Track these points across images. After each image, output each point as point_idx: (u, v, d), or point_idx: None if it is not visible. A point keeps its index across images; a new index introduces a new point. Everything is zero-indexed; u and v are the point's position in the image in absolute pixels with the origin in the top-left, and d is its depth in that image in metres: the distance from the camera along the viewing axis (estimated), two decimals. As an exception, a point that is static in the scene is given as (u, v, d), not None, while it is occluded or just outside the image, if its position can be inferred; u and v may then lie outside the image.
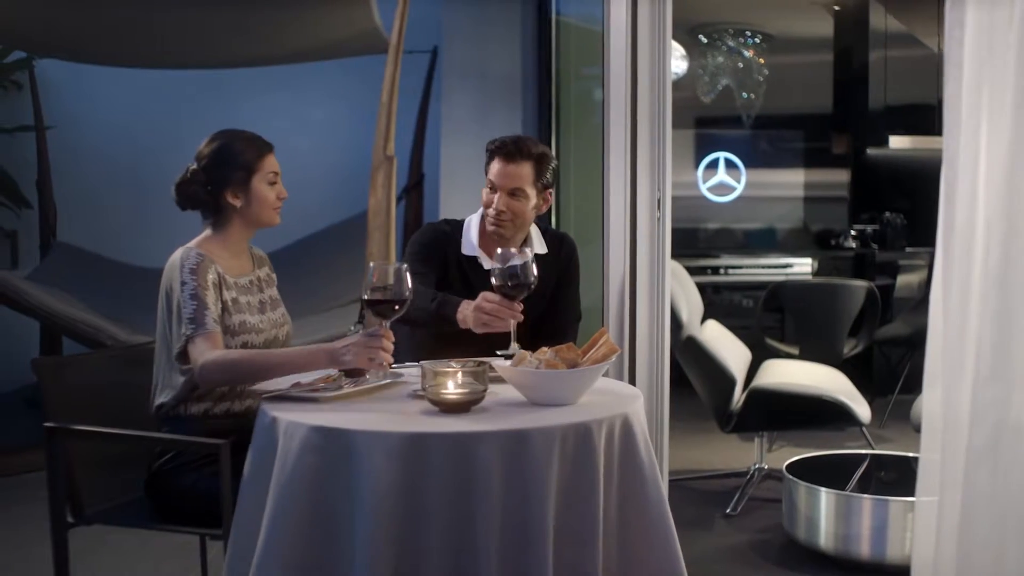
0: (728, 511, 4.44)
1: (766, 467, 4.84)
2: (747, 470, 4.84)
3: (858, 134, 7.85)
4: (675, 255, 7.57)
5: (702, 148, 8.02)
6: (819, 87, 8.00)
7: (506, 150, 3.03)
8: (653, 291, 3.38)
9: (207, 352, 2.54)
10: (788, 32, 7.94)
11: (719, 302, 7.67)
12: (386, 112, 4.75)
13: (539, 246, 3.12)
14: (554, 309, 3.11)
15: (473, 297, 2.88)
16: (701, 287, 7.68)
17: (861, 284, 5.75)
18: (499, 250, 2.68)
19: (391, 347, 2.45)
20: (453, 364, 2.33)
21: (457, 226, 3.15)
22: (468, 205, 5.58)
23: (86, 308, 5.28)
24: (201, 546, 3.06)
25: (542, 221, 3.25)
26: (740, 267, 7.60)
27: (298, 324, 3.10)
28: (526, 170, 3.00)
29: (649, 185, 3.34)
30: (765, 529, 4.22)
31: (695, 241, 7.98)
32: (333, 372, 2.61)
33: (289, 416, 2.23)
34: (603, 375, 2.50)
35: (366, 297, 2.44)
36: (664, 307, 3.40)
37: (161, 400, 2.68)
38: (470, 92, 6.16)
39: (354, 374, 2.57)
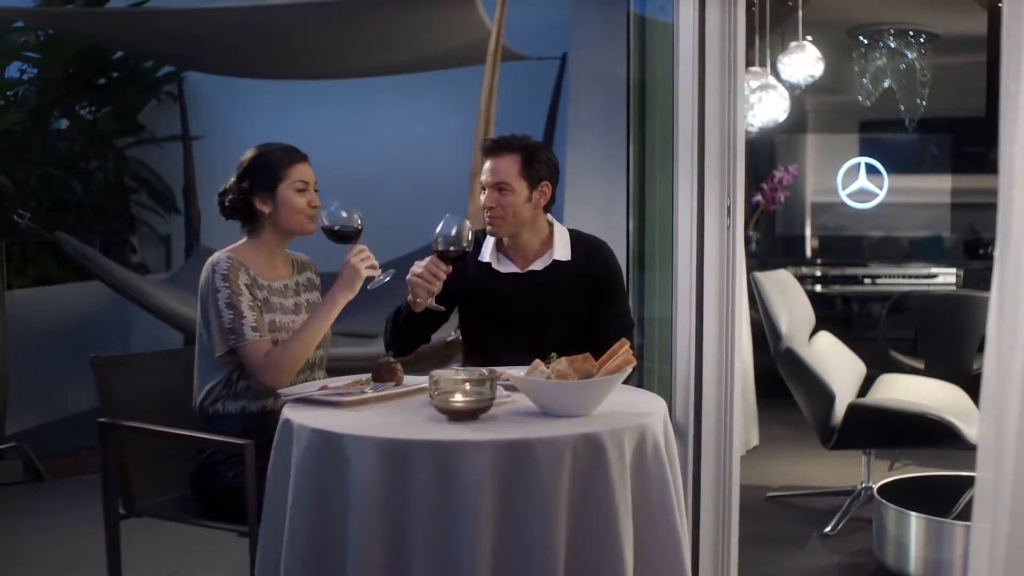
0: (827, 530, 4.26)
1: (874, 486, 4.61)
2: (853, 489, 4.64)
3: (1013, 138, 7.38)
4: (813, 263, 7.37)
5: (859, 153, 7.75)
6: (971, 89, 7.57)
7: (489, 146, 3.02)
8: (722, 301, 3.24)
9: (259, 362, 2.68)
10: (941, 31, 7.55)
11: (857, 312, 7.39)
12: (484, 118, 4.78)
13: (561, 252, 3.06)
14: (597, 324, 3.04)
15: (491, 301, 3.01)
16: (845, 297, 7.44)
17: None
18: (447, 215, 2.75)
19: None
20: (463, 372, 2.33)
21: (484, 236, 3.14)
22: (592, 215, 5.49)
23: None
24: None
25: (578, 227, 3.19)
26: (880, 276, 7.28)
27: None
28: (509, 163, 2.97)
29: (718, 191, 3.21)
30: (859, 552, 4.02)
31: (836, 248, 7.69)
32: (362, 377, 2.64)
33: (299, 419, 2.28)
34: (643, 387, 2.45)
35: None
36: (734, 318, 3.26)
37: (200, 399, 2.78)
38: (597, 98, 6.04)
39: (381, 379, 2.60)
